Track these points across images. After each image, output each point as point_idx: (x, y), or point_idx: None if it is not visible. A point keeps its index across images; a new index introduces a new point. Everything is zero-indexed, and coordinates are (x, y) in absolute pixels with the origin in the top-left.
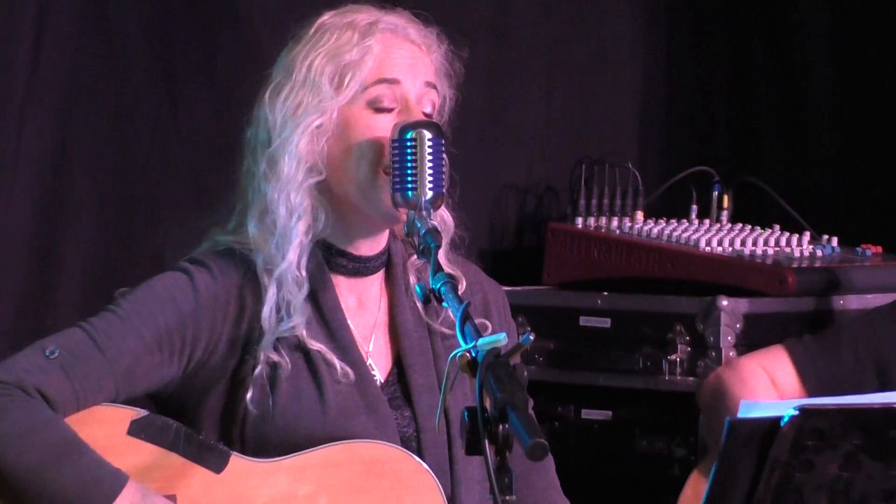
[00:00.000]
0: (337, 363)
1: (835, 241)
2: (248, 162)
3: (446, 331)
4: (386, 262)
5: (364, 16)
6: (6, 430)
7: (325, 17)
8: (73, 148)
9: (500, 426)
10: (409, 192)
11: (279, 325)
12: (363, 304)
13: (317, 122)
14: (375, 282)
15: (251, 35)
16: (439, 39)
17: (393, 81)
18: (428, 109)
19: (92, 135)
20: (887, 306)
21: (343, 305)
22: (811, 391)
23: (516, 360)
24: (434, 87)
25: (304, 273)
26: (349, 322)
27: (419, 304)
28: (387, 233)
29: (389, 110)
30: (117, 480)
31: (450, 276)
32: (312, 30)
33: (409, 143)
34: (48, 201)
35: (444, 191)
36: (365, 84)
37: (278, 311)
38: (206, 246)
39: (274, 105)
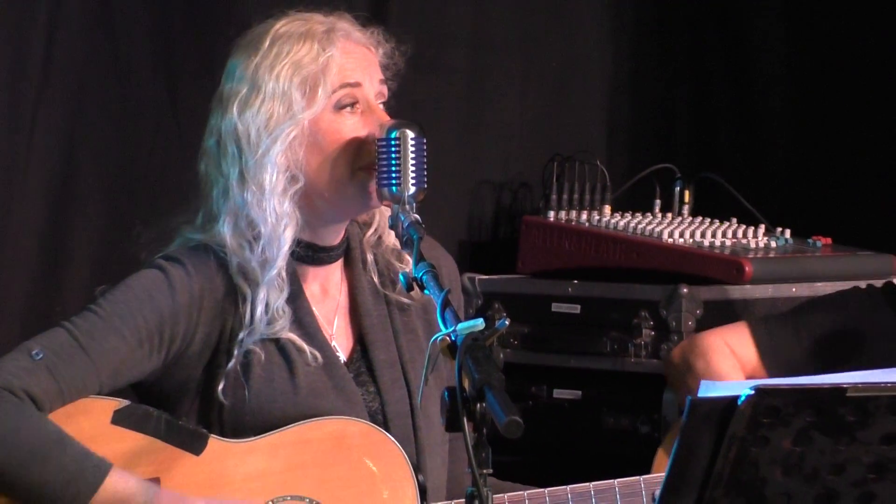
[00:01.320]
0: (306, 348)
1: (788, 233)
2: (208, 168)
3: (403, 300)
4: (345, 249)
5: (317, 25)
6: None
7: (278, 27)
8: (80, 146)
9: (478, 405)
10: (394, 188)
11: (266, 328)
12: (326, 289)
13: (292, 134)
14: (337, 268)
15: None
16: (384, 38)
17: (355, 84)
18: (383, 102)
19: (98, 134)
20: (854, 292)
21: (308, 293)
22: (769, 368)
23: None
24: (385, 81)
25: (284, 276)
26: (313, 308)
27: (375, 278)
28: (348, 221)
29: (353, 111)
30: (100, 469)
31: (431, 265)
32: (268, 41)
33: (393, 142)
34: (58, 196)
35: (425, 185)
36: (331, 90)
37: (264, 315)
38: (179, 242)
39: (244, 117)
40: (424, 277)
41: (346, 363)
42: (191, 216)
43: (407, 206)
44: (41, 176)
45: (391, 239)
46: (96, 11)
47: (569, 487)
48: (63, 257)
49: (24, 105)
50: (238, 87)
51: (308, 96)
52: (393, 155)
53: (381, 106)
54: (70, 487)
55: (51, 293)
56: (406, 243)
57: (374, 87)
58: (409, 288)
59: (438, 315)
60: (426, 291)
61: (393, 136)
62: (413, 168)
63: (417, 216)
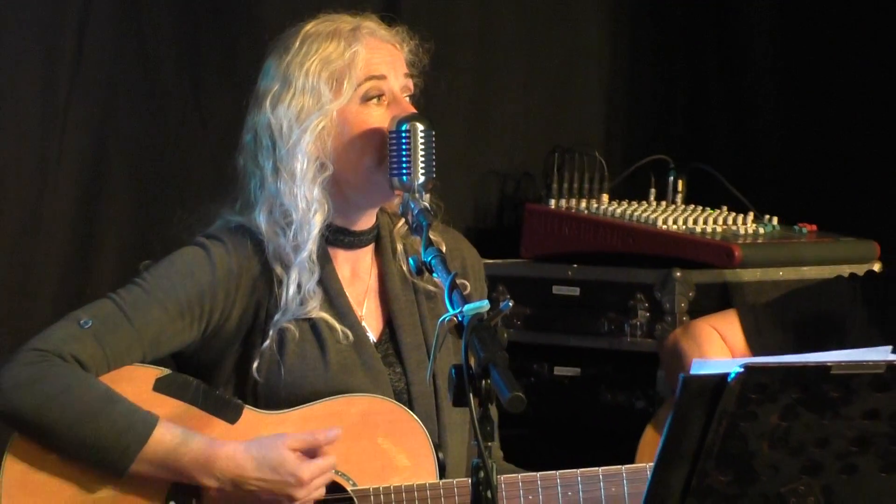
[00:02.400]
0: (338, 326)
1: (775, 220)
2: (245, 162)
3: (431, 288)
4: (376, 235)
5: (344, 24)
6: (48, 391)
7: (308, 28)
8: (110, 140)
9: (483, 381)
10: (405, 177)
11: (298, 308)
12: (356, 273)
13: (321, 125)
14: (368, 252)
15: (265, 40)
16: (409, 36)
17: (380, 77)
18: (409, 94)
19: (127, 128)
20: (836, 281)
21: (340, 275)
22: (755, 353)
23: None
24: (410, 76)
25: (315, 260)
26: (345, 289)
27: (405, 267)
28: (378, 208)
29: (380, 102)
30: (149, 423)
31: (439, 250)
32: (298, 41)
33: (404, 134)
34: (88, 185)
35: (434, 175)
36: (357, 83)
37: (297, 295)
38: (220, 223)
39: (276, 112)
40: (433, 261)
41: (375, 343)
42: (231, 204)
43: (417, 195)
44: (72, 167)
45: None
46: (125, 12)
47: (557, 473)
48: (92, 243)
49: (57, 101)
50: (271, 84)
51: (335, 89)
52: (404, 146)
53: (408, 99)
54: (121, 440)
55: (81, 277)
56: (416, 229)
57: (399, 81)
58: (419, 271)
59: (446, 297)
60: (434, 275)
61: (404, 128)
62: (423, 159)
63: (426, 204)
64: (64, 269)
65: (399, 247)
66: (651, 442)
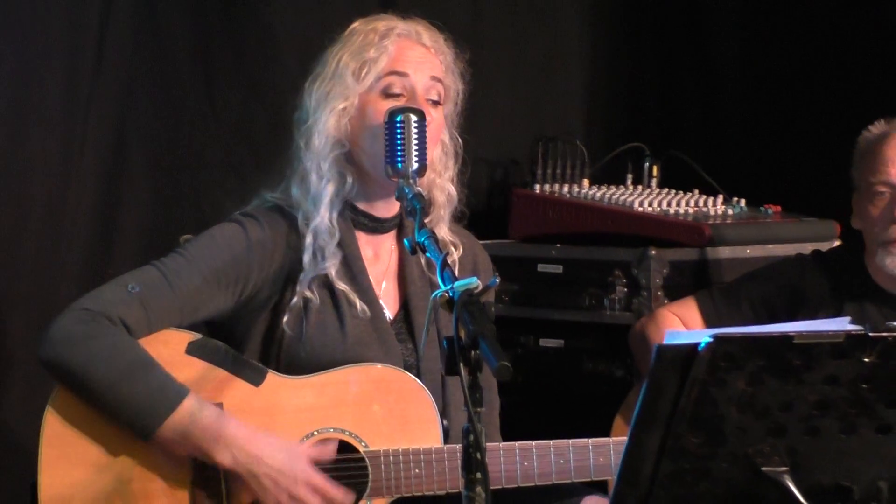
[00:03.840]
0: (357, 301)
1: (743, 202)
2: (295, 138)
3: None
4: (398, 224)
5: (385, 23)
6: (95, 351)
7: (356, 24)
8: (129, 131)
9: (473, 352)
10: (399, 164)
11: (317, 265)
12: (378, 255)
13: (341, 106)
14: (389, 238)
15: (272, 40)
16: (447, 44)
17: (402, 74)
18: (434, 97)
19: (145, 120)
20: (784, 261)
21: (362, 255)
22: None
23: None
24: (440, 80)
25: (335, 224)
26: (367, 269)
27: (423, 261)
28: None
29: (398, 97)
30: (180, 394)
31: (431, 231)
32: (346, 34)
33: (398, 125)
34: (109, 173)
35: (426, 162)
36: (380, 75)
37: (314, 255)
38: (256, 202)
39: (311, 92)
40: (427, 242)
41: (390, 322)
42: (272, 181)
43: (411, 181)
44: (95, 156)
45: (443, 231)
46: (143, 14)
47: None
48: (113, 225)
49: (80, 95)
50: (316, 70)
51: (360, 77)
52: (398, 136)
53: (430, 103)
54: (153, 404)
55: (103, 257)
56: (410, 212)
57: (422, 81)
58: (413, 251)
59: (438, 274)
60: (427, 254)
61: (398, 119)
62: (416, 147)
63: (420, 189)
64: (87, 249)
65: None
66: (621, 425)
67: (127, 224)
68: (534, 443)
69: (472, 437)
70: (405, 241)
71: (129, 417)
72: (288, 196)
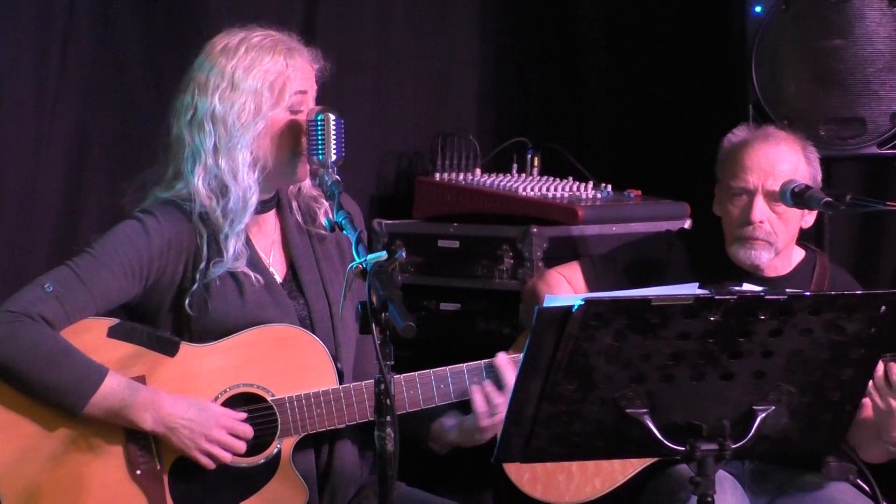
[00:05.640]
0: (251, 274)
1: (609, 187)
2: (181, 134)
3: (322, 232)
4: (278, 200)
5: (281, 42)
6: (21, 346)
7: (252, 38)
8: (90, 126)
9: (383, 314)
10: (320, 156)
11: (233, 263)
12: (263, 230)
13: (260, 126)
14: (271, 214)
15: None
16: (321, 56)
17: (304, 91)
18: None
19: (103, 117)
20: (655, 236)
21: (251, 234)
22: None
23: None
24: (317, 87)
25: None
26: (255, 244)
27: (299, 218)
28: None
29: (300, 113)
30: (101, 373)
31: (348, 213)
32: (243, 49)
33: (319, 122)
34: (73, 163)
35: (343, 154)
36: (289, 94)
37: (233, 254)
38: (151, 200)
39: (223, 105)
40: (343, 221)
41: (281, 283)
42: (160, 172)
43: (330, 170)
44: (61, 149)
45: (307, 187)
46: (101, 24)
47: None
48: (77, 210)
49: (47, 96)
50: (217, 80)
51: (275, 97)
52: (319, 132)
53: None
54: (78, 385)
55: (69, 237)
56: (329, 197)
57: (313, 93)
58: (332, 229)
59: (353, 249)
60: (345, 232)
61: (319, 118)
62: (334, 141)
63: (338, 177)
64: (55, 231)
65: (294, 204)
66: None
67: (89, 208)
68: (416, 373)
69: (382, 386)
70: (325, 221)
71: (58, 399)
72: (179, 190)
